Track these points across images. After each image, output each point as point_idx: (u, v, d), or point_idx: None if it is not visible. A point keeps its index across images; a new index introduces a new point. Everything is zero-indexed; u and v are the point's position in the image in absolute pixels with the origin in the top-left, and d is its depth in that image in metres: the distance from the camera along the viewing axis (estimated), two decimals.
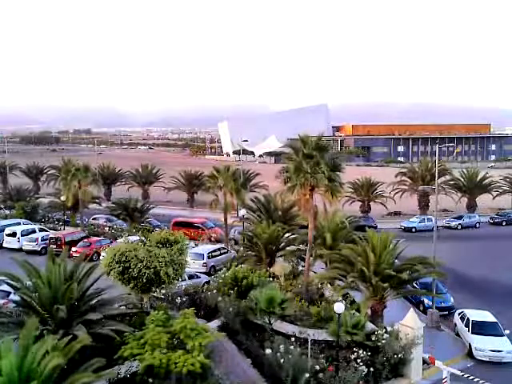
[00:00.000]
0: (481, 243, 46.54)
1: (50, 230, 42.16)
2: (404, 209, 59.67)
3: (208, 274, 30.58)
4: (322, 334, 18.90)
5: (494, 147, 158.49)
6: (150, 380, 14.32)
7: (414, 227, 51.25)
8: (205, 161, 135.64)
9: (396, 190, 58.27)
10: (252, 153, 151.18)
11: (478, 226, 54.54)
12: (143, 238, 20.11)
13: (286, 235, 30.16)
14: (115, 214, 45.62)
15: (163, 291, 20.73)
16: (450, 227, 52.84)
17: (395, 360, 18.21)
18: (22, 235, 38.55)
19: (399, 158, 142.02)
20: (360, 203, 57.13)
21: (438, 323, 25.65)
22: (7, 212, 49.73)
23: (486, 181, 59.71)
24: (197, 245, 36.92)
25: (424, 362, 19.66)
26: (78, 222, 46.22)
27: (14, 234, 38.91)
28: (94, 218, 48.97)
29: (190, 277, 26.22)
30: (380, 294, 21.36)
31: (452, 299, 28.44)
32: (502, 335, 22.72)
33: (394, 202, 56.86)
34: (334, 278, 24.65)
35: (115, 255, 18.19)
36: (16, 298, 16.72)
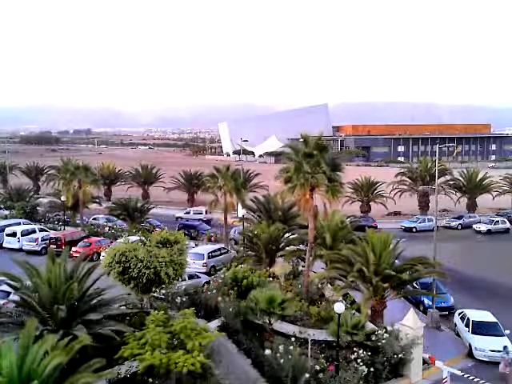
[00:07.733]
0: (481, 243, 46.51)
1: (50, 229, 42.10)
2: (404, 209, 59.65)
3: (208, 274, 30.56)
4: (322, 334, 18.89)
5: (494, 147, 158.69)
6: (150, 380, 14.31)
7: (414, 227, 51.26)
8: (205, 161, 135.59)
9: (396, 190, 58.29)
10: (252, 153, 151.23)
11: None
12: (143, 238, 20.12)
13: (286, 235, 30.13)
14: (115, 214, 45.56)
15: (163, 291, 20.71)
16: (450, 227, 52.86)
17: (395, 360, 18.20)
18: (22, 235, 38.46)
19: (399, 158, 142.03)
20: (360, 203, 57.13)
21: (438, 323, 25.65)
22: (7, 212, 49.69)
23: (486, 181, 59.66)
24: (197, 245, 36.94)
25: (424, 362, 19.65)
26: (78, 221, 46.21)
27: (14, 234, 38.84)
28: (94, 218, 48.96)
29: (190, 277, 26.20)
30: (380, 294, 21.33)
31: (452, 299, 28.42)
32: (502, 335, 22.70)
33: (394, 202, 56.85)
34: (334, 278, 24.63)
35: (115, 255, 18.20)
36: (16, 297, 16.69)
